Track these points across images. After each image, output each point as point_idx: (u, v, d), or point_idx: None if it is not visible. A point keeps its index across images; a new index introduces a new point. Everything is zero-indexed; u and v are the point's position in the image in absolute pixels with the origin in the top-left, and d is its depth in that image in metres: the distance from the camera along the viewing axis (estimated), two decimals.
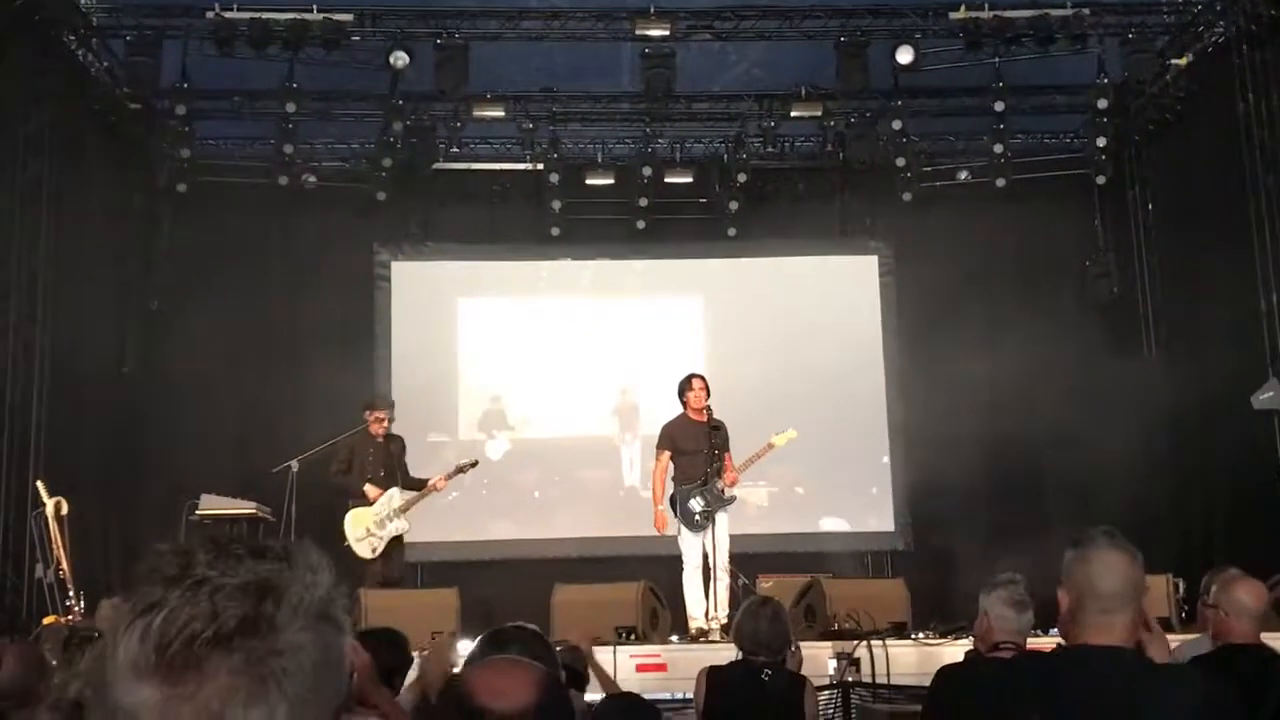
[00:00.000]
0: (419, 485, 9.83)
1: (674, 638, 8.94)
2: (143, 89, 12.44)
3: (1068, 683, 2.97)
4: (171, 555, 1.18)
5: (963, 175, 13.54)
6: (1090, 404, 12.66)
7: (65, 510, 8.33)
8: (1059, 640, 3.18)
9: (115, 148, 12.36)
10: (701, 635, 8.86)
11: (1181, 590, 9.81)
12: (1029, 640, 4.70)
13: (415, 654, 5.20)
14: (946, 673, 4.83)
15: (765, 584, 10.67)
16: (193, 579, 1.14)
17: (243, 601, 1.14)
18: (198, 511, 8.90)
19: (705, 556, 9.17)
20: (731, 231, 13.71)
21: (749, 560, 10.63)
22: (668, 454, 9.30)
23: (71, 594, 8.24)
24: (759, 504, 13.09)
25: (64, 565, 8.26)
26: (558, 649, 6.49)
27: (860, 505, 13.61)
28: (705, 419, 9.19)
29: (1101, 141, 12.96)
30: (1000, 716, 3.14)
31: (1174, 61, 12.46)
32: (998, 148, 13.01)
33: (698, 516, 9.09)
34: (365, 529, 9.41)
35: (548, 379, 13.52)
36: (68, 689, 2.33)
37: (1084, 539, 3.02)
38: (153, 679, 1.12)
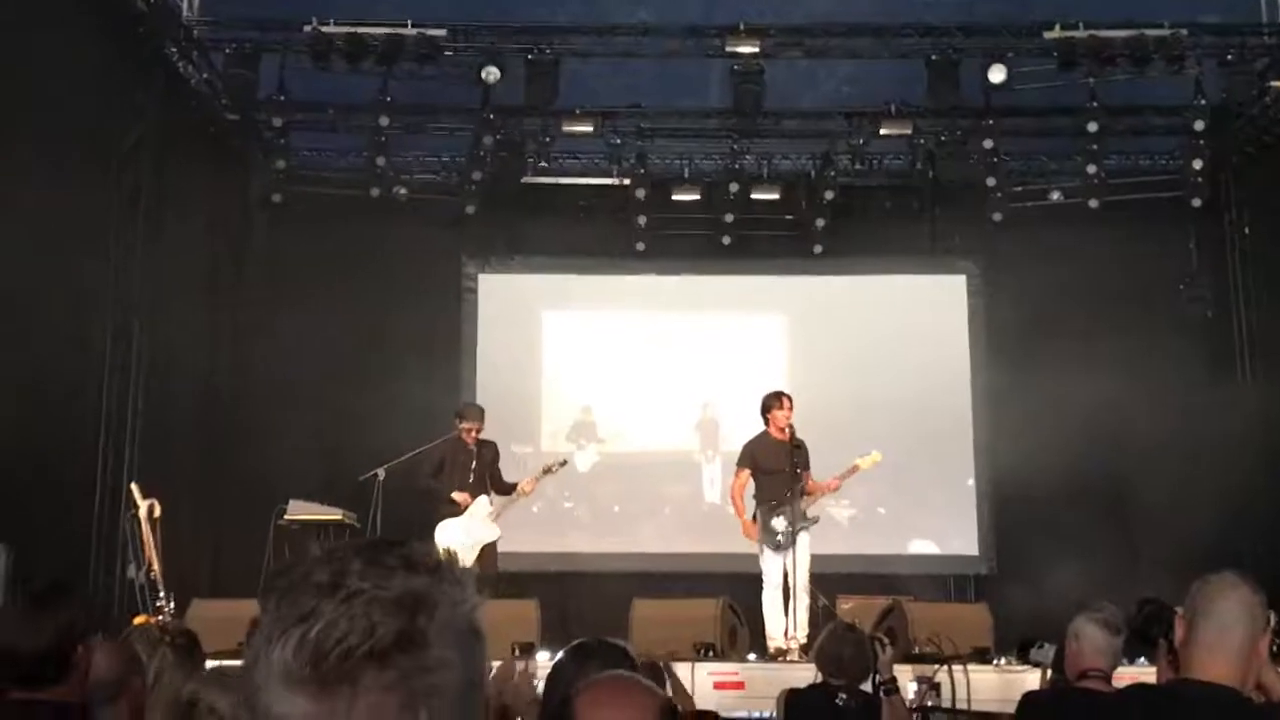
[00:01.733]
0: (509, 489, 9.92)
1: (752, 656, 8.92)
2: (240, 101, 12.73)
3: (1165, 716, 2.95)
4: (324, 562, 1.18)
5: (1054, 196, 13.33)
6: (1182, 429, 12.40)
7: (158, 513, 8.52)
8: (1143, 670, 3.15)
9: (212, 158, 12.65)
10: (780, 655, 8.82)
11: (1275, 623, 9.57)
12: (1117, 669, 4.62)
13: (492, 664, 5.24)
14: (1034, 701, 4.77)
15: (845, 605, 10.59)
16: (347, 590, 1.14)
17: (397, 616, 1.13)
18: (285, 517, 9.04)
19: (785, 576, 9.14)
20: (818, 249, 13.64)
21: (829, 580, 10.56)
22: (747, 471, 9.29)
23: (162, 594, 8.42)
24: (840, 524, 12.99)
25: (155, 566, 8.44)
26: (640, 661, 6.54)
27: (944, 528, 13.47)
28: (788, 438, 9.16)
29: (1198, 164, 12.71)
30: None
31: (1274, 84, 12.20)
32: (1091, 168, 12.80)
33: (780, 536, 9.07)
34: (455, 538, 9.50)
35: (630, 393, 13.57)
36: (182, 691, 2.39)
37: (1213, 575, 3.04)
38: (305, 690, 1.12)
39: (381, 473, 9.33)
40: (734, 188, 13.46)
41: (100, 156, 10.36)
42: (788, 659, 8.60)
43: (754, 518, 9.27)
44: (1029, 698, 4.77)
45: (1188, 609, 2.99)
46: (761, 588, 9.33)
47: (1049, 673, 5.25)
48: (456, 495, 9.52)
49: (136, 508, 8.61)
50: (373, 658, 1.12)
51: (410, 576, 1.17)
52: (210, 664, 5.00)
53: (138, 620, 7.92)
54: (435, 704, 1.14)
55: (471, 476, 9.66)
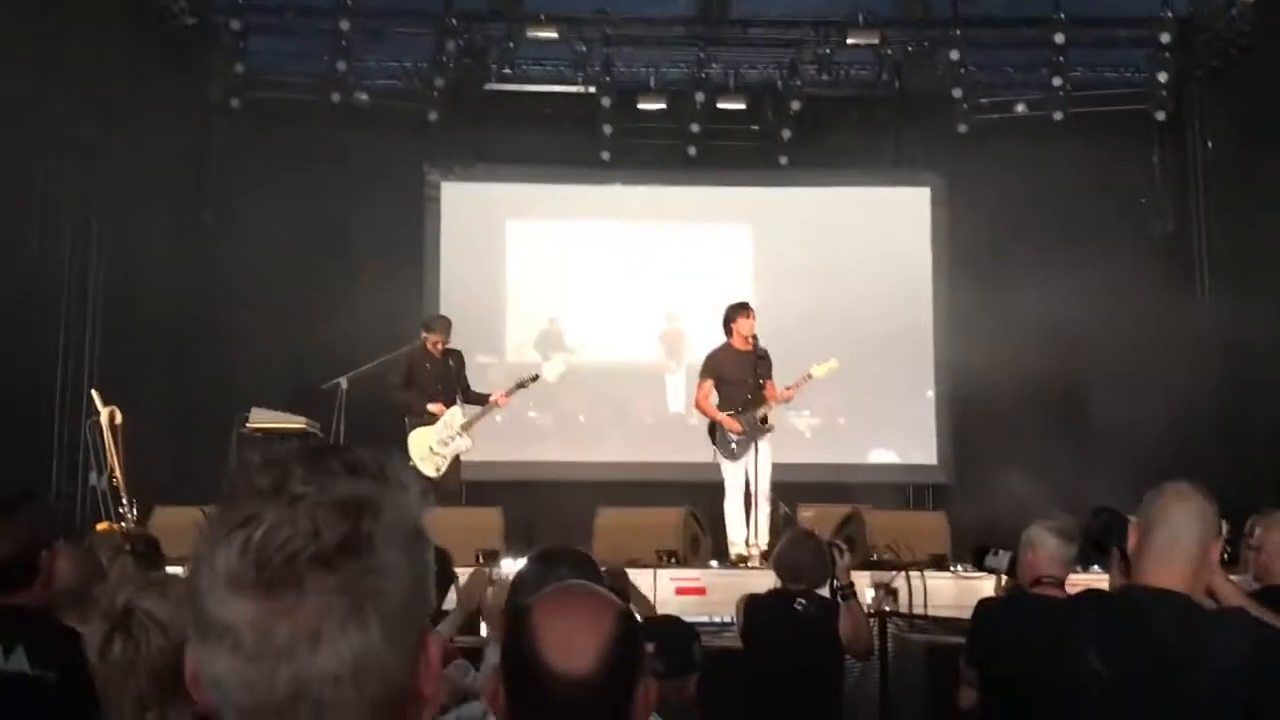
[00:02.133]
0: (481, 400, 9.89)
1: (714, 563, 9.04)
2: (198, 3, 12.48)
3: (1123, 624, 3.02)
4: (266, 467, 1.17)
5: (1020, 108, 13.33)
6: (1140, 341, 12.53)
7: (119, 419, 8.49)
8: (1096, 577, 3.22)
9: (170, 62, 12.39)
10: (741, 561, 8.95)
11: (1226, 531, 9.78)
12: (1070, 576, 4.73)
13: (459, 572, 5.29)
14: (988, 607, 4.87)
15: (806, 513, 10.70)
16: (290, 494, 1.14)
17: (342, 520, 1.13)
18: (247, 425, 9.01)
19: (747, 484, 9.23)
20: (783, 160, 13.62)
21: (790, 489, 10.66)
22: (711, 382, 9.33)
23: (124, 501, 8.42)
24: (802, 433, 13.11)
25: (117, 473, 8.43)
26: (602, 568, 6.61)
27: (904, 438, 13.62)
28: (751, 348, 9.19)
29: (1163, 77, 12.74)
30: (1055, 655, 3.20)
31: None
32: (1056, 80, 12.81)
33: (734, 443, 9.14)
34: (429, 447, 9.51)
35: (595, 303, 13.56)
36: (117, 597, 2.38)
37: (1167, 484, 3.09)
38: (250, 593, 1.11)
39: (344, 381, 9.30)
40: (700, 97, 13.35)
41: (56, 57, 10.13)
42: (749, 566, 8.71)
43: (711, 428, 9.33)
44: (984, 604, 4.88)
45: (1141, 517, 3.05)
46: (724, 496, 9.42)
47: (1003, 579, 5.36)
48: (432, 406, 9.49)
49: (98, 414, 8.58)
50: (317, 561, 1.11)
51: (354, 481, 1.16)
52: (171, 570, 5.03)
53: (100, 527, 7.94)
54: (381, 606, 1.14)
55: (440, 387, 9.64)
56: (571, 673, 1.80)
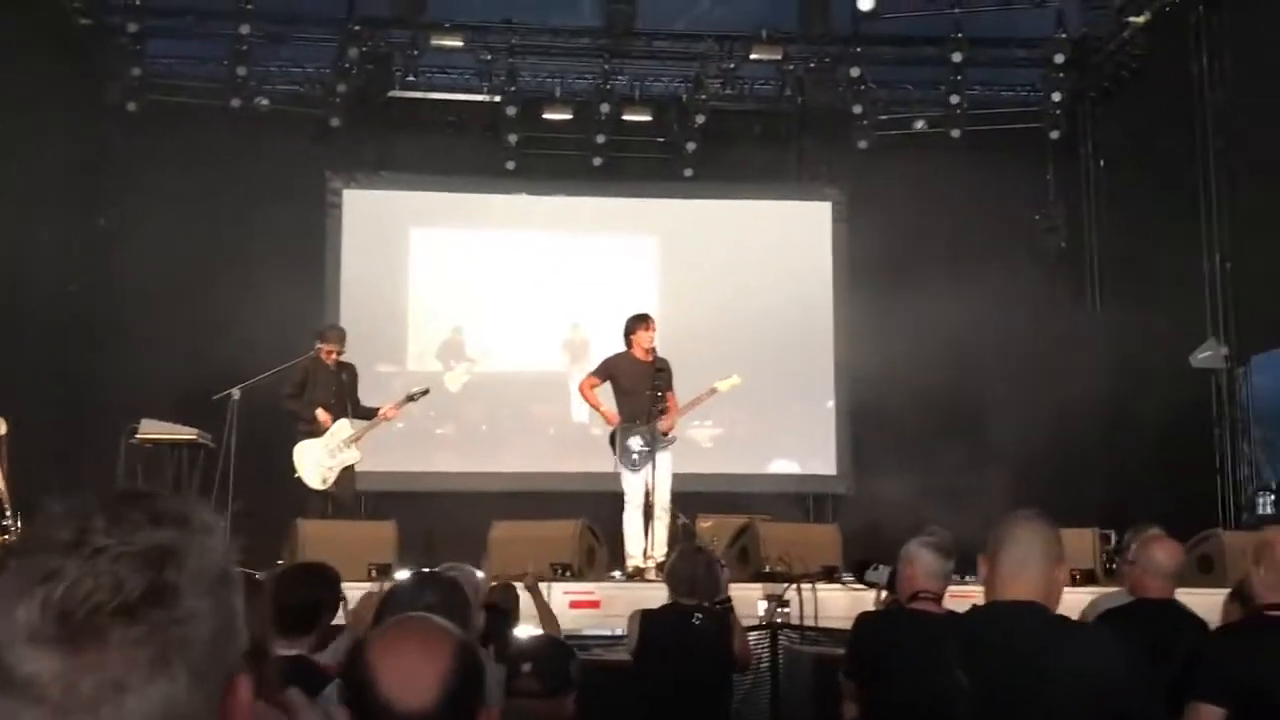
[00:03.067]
0: (370, 414, 9.79)
1: (616, 574, 9.05)
2: (94, 6, 12.28)
3: (985, 639, 3.10)
4: (66, 518, 1.15)
5: (919, 125, 13.57)
6: (1034, 356, 12.83)
7: (3, 429, 8.29)
8: (980, 588, 3.31)
9: (65, 64, 12.17)
10: (639, 574, 8.97)
11: (1112, 542, 10.04)
12: (950, 588, 4.80)
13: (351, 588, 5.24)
14: (865, 621, 4.95)
15: (705, 524, 10.78)
16: (92, 547, 1.12)
17: (145, 570, 1.12)
18: (137, 436, 8.84)
19: (647, 495, 9.25)
20: (688, 172, 13.73)
21: (692, 500, 10.72)
22: (599, 380, 9.37)
23: (7, 514, 8.22)
24: (704, 444, 13.19)
25: (1, 484, 8.23)
26: (492, 584, 6.59)
27: (805, 449, 13.76)
28: (651, 359, 9.23)
29: (1057, 96, 13.06)
30: (926, 672, 3.27)
31: (1132, 20, 12.51)
32: (954, 98, 13.08)
33: (636, 455, 9.16)
34: (316, 459, 9.41)
35: (500, 313, 13.52)
36: None
37: (1012, 513, 3.19)
38: (54, 648, 1.09)
39: (236, 392, 9.16)
40: (605, 108, 13.42)
41: None
42: (646, 578, 8.74)
43: (611, 438, 9.34)
44: (862, 618, 4.96)
45: (989, 546, 3.15)
46: (623, 507, 9.43)
47: (883, 594, 5.44)
48: (320, 414, 9.40)
49: None
50: (121, 613, 1.11)
51: (156, 530, 1.15)
52: None
53: None
54: (187, 654, 1.14)
55: (332, 399, 9.54)
56: (410, 708, 1.81)
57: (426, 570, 3.11)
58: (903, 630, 4.50)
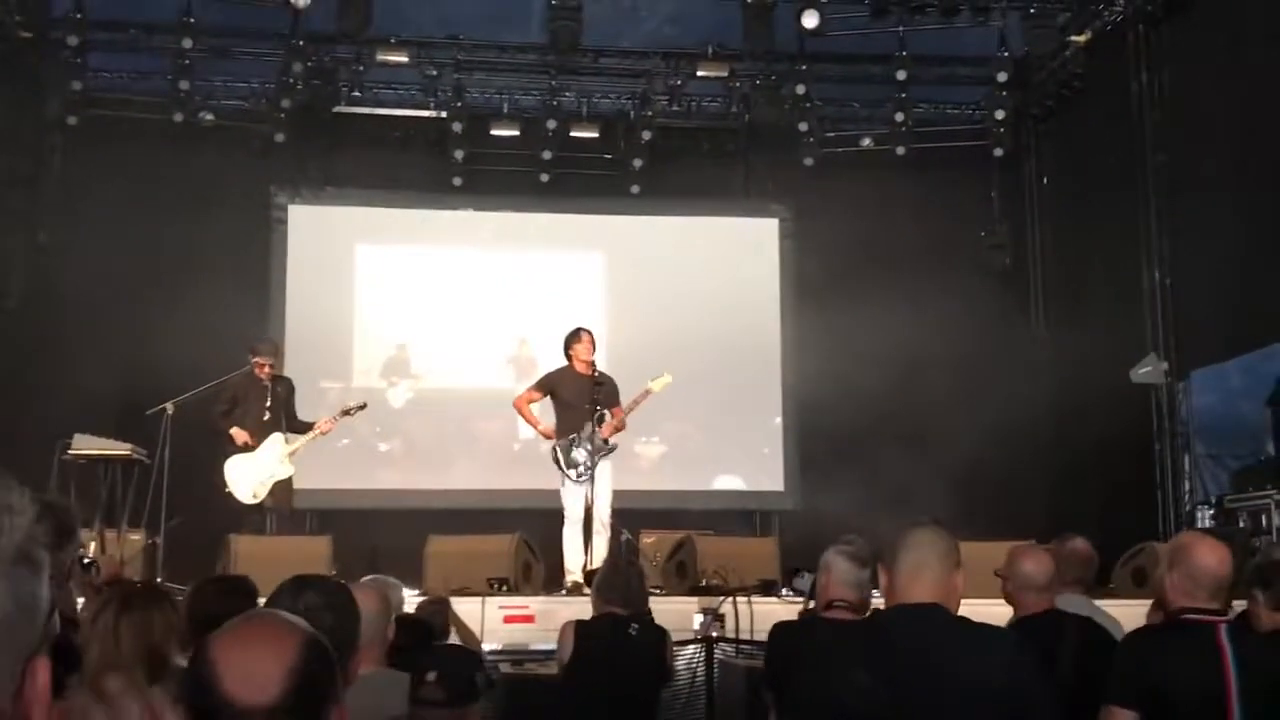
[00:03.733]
0: (305, 429, 9.68)
1: (563, 591, 8.98)
2: (35, 18, 12.16)
3: (888, 640, 3.08)
4: None
5: (865, 142, 13.66)
6: (978, 372, 12.89)
7: None
8: None
9: (5, 77, 12.04)
10: (577, 589, 8.91)
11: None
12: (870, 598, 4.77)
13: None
14: (781, 630, 4.92)
15: (648, 539, 10.76)
16: None
17: None
18: (70, 451, 8.71)
19: (587, 510, 9.20)
20: (635, 189, 13.74)
21: (636, 515, 10.68)
22: (539, 394, 9.35)
23: None
24: (650, 460, 13.17)
25: None
26: (422, 599, 6.53)
27: (752, 465, 13.75)
28: (590, 373, 9.20)
29: (1000, 114, 13.17)
30: (834, 677, 3.25)
31: (1073, 38, 12.65)
32: (899, 116, 13.17)
33: (581, 468, 9.12)
34: (246, 473, 9.30)
35: (446, 329, 13.45)
36: None
37: (905, 526, 3.18)
38: None
39: (170, 407, 9.04)
40: (552, 125, 13.42)
41: None
42: (583, 593, 8.67)
43: (554, 451, 9.29)
44: (777, 628, 4.92)
45: (885, 555, 3.13)
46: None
47: (810, 602, 5.42)
48: (235, 432, 9.28)
49: None
50: None
51: None
52: None
53: None
54: None
55: (267, 414, 9.43)
56: (253, 703, 1.76)
57: (309, 575, 3.05)
58: (814, 637, 4.47)
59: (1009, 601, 4.60)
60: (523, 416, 9.40)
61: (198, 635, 3.94)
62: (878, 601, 5.38)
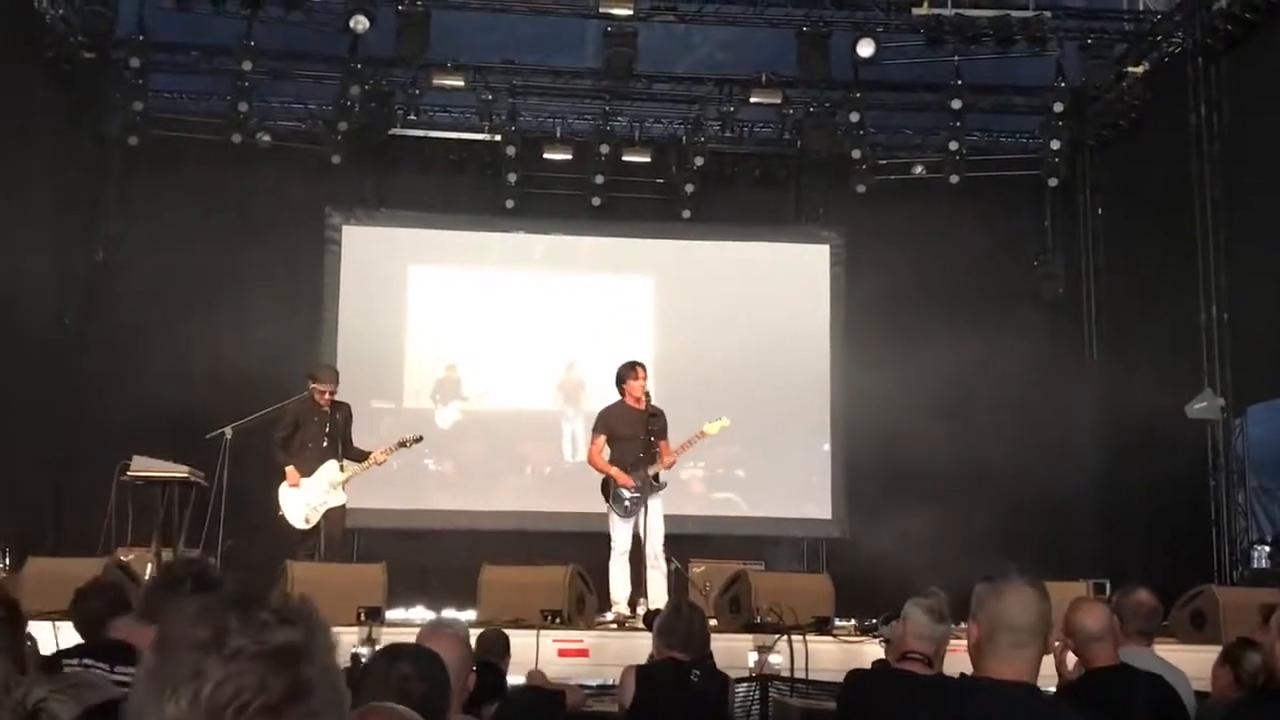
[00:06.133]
0: (361, 457, 9.73)
1: (608, 615, 8.98)
2: (97, 39, 12.36)
3: (965, 710, 3.03)
4: (200, 618, 1.25)
5: (917, 170, 13.63)
6: (1030, 403, 12.82)
7: None
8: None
9: (66, 97, 12.24)
10: (622, 621, 8.91)
11: (1106, 593, 10.00)
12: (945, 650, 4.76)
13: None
14: (856, 678, 4.92)
15: (697, 569, 10.77)
16: (231, 648, 1.22)
17: (282, 670, 1.22)
18: (129, 473, 8.79)
19: (637, 543, 9.19)
20: (686, 214, 13.76)
21: (683, 542, 10.68)
22: (603, 438, 9.32)
23: None
24: (697, 487, 13.16)
25: None
26: (479, 631, 6.55)
27: (799, 492, 13.70)
28: (643, 406, 9.21)
29: (1055, 144, 13.10)
30: None
31: (1131, 69, 12.58)
32: (953, 145, 13.14)
33: (628, 502, 9.12)
34: (301, 500, 9.36)
35: (496, 351, 13.51)
36: (29, 694, 2.35)
37: (998, 574, 3.07)
38: None
39: (229, 431, 9.13)
40: (605, 149, 13.47)
41: None
42: (628, 626, 8.68)
43: (604, 485, 9.29)
44: (853, 675, 4.93)
45: (977, 608, 3.02)
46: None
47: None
48: (288, 472, 9.32)
49: None
50: (265, 710, 1.20)
51: (287, 629, 1.25)
52: (34, 625, 4.89)
53: None
54: None
55: (325, 440, 9.49)
56: None
57: (401, 645, 3.09)
58: (889, 688, 4.47)
59: (1076, 654, 4.56)
60: (601, 470, 9.33)
61: None
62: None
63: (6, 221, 10.57)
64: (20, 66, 11.13)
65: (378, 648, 7.47)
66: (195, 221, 12.67)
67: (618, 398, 9.43)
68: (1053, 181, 13.34)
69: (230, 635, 1.23)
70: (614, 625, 8.83)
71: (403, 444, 9.67)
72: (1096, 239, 13.70)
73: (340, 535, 9.44)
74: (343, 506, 9.49)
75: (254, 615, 1.25)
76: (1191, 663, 5.48)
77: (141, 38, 12.30)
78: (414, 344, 13.63)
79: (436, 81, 12.98)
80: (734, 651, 7.45)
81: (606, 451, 9.33)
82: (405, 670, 2.78)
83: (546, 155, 13.56)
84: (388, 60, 12.80)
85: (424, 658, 2.86)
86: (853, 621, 9.03)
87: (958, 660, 3.71)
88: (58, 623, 6.05)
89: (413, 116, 13.60)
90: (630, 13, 12.22)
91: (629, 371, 9.27)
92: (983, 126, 13.83)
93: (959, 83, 12.90)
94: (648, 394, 9.23)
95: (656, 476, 9.21)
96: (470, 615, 8.48)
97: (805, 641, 7.51)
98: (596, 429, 9.43)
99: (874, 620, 5.29)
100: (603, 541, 9.54)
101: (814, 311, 13.75)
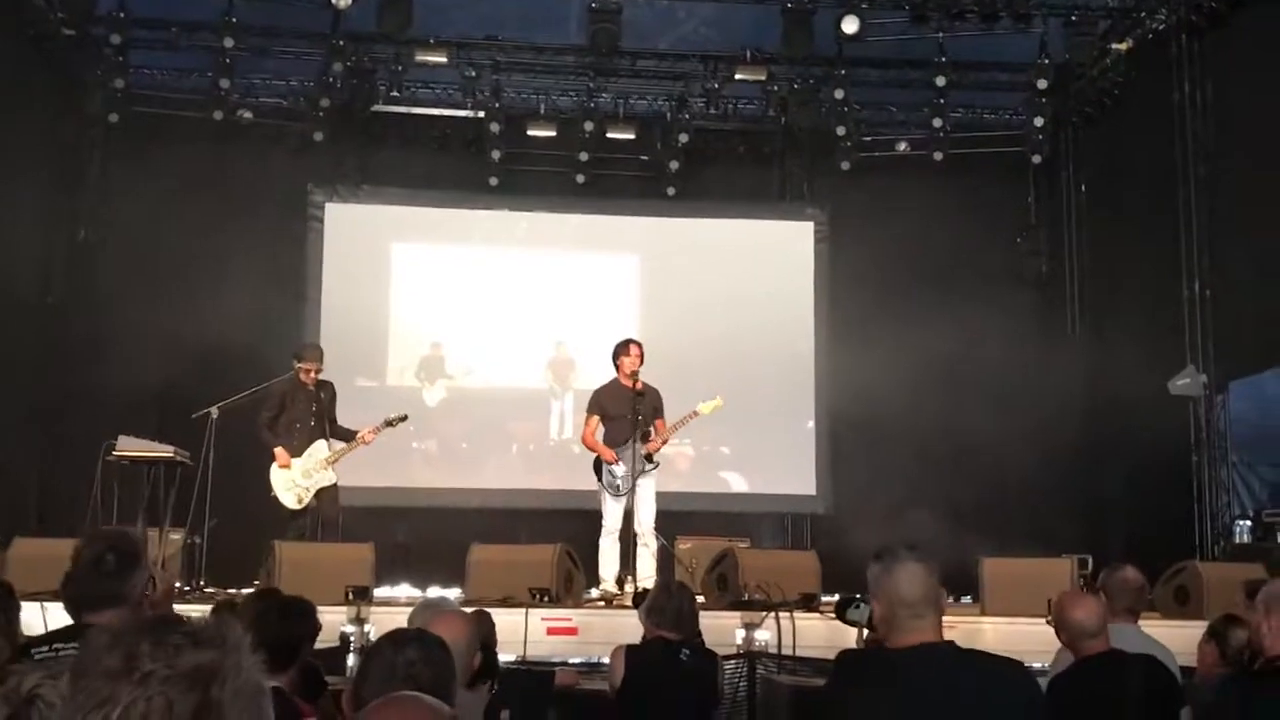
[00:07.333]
0: (347, 437, 9.71)
1: (594, 591, 9.02)
2: (78, 16, 12.22)
3: (913, 675, 3.09)
4: (113, 646, 1.25)
5: (901, 147, 13.64)
6: (1014, 378, 12.85)
7: None
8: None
9: (47, 74, 12.16)
10: (610, 599, 8.94)
11: (1089, 568, 10.08)
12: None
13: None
14: (847, 658, 4.93)
15: (684, 545, 10.79)
16: (140, 672, 1.22)
17: (190, 692, 1.23)
18: (115, 453, 8.75)
19: (627, 522, 9.21)
20: (670, 191, 13.75)
21: (669, 519, 10.66)
22: (596, 418, 9.34)
23: None
24: (683, 463, 13.18)
25: None
26: (470, 610, 6.57)
27: (784, 468, 13.73)
28: (633, 385, 9.21)
29: (1039, 121, 13.12)
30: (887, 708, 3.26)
31: (1115, 46, 12.59)
32: (937, 121, 13.13)
33: (619, 481, 9.15)
34: (292, 480, 9.34)
35: (481, 329, 13.49)
36: (23, 682, 2.35)
37: (885, 553, 3.14)
38: None
39: (215, 411, 9.09)
40: (589, 126, 13.45)
41: None
42: (616, 604, 8.71)
43: (596, 464, 9.32)
44: (844, 655, 4.93)
45: (877, 592, 3.10)
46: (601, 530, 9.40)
47: (864, 632, 5.41)
48: (278, 453, 9.30)
49: None
50: None
51: (198, 651, 1.26)
52: (27, 605, 4.88)
53: None
54: None
55: (312, 420, 9.46)
56: None
57: (407, 630, 3.09)
58: (877, 666, 4.48)
59: (1068, 646, 4.59)
60: (594, 449, 9.36)
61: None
62: None
63: None
64: (1, 44, 11.02)
65: (365, 627, 7.54)
66: (177, 199, 12.56)
67: (612, 375, 9.45)
68: (1036, 158, 13.37)
69: (141, 660, 1.23)
70: (601, 603, 8.86)
71: (389, 423, 9.65)
72: (1080, 215, 13.74)
73: (335, 515, 9.42)
74: (335, 485, 9.48)
75: (166, 639, 1.26)
76: (1176, 638, 5.53)
77: (122, 14, 12.18)
78: (398, 322, 13.59)
79: (419, 58, 12.91)
80: (721, 629, 7.48)
81: (600, 431, 9.35)
82: (412, 655, 2.78)
83: (530, 132, 13.52)
84: (370, 36, 12.72)
85: (429, 642, 2.87)
86: (837, 597, 9.06)
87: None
88: (46, 603, 6.04)
89: (395, 93, 13.53)
90: None
91: (621, 349, 9.30)
92: (967, 103, 13.83)
93: (943, 59, 12.89)
94: (636, 373, 9.23)
95: (649, 457, 9.24)
96: (457, 593, 8.52)
97: (793, 618, 7.53)
98: (590, 408, 9.46)
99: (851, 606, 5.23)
100: (589, 519, 9.58)
101: (798, 288, 13.77)
